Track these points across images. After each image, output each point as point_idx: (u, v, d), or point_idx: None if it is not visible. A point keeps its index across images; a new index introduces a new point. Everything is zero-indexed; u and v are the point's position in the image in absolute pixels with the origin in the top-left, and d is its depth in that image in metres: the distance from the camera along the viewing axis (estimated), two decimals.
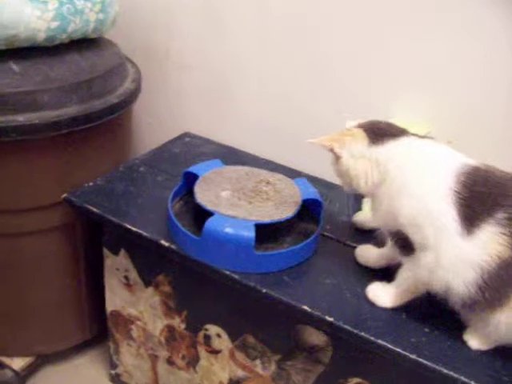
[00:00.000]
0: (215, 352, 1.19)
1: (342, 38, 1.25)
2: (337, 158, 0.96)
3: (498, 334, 0.88)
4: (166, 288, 1.18)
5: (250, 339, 1.12)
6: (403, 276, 0.96)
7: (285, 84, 1.35)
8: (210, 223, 1.01)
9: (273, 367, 1.12)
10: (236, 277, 1.01)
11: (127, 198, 1.19)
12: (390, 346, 0.91)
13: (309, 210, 1.14)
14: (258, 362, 1.14)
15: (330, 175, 1.17)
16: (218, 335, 1.16)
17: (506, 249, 0.82)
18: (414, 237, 0.89)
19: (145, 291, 1.22)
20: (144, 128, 1.59)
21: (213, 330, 1.16)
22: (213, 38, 1.41)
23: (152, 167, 1.31)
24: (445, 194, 0.85)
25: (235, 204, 1.06)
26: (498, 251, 0.82)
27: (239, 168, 1.19)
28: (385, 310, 0.98)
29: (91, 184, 1.22)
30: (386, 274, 1.04)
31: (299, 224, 1.13)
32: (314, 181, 1.25)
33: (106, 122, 1.21)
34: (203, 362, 1.22)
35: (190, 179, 1.15)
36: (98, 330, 1.47)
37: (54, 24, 1.12)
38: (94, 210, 1.15)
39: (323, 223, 1.12)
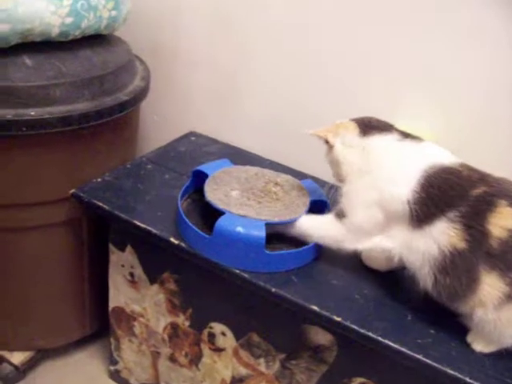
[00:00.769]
0: (219, 350, 1.20)
1: (355, 47, 1.27)
2: (330, 147, 1.03)
3: (481, 329, 0.91)
4: (172, 286, 1.19)
5: (255, 338, 1.13)
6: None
7: (291, 85, 1.36)
8: (221, 222, 1.02)
9: (276, 366, 1.14)
10: (246, 276, 1.02)
11: (135, 195, 1.20)
12: (396, 346, 0.93)
13: (316, 211, 1.15)
14: (261, 360, 1.15)
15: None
16: (223, 333, 1.17)
17: (457, 240, 0.88)
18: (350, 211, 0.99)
19: (150, 288, 1.23)
20: (150, 126, 1.59)
21: (218, 328, 1.17)
22: (220, 36, 1.42)
23: (159, 165, 1.31)
24: (406, 192, 0.92)
25: (245, 203, 1.07)
26: (450, 242, 0.88)
27: (248, 168, 1.20)
28: (391, 311, 1.00)
29: (99, 180, 1.22)
30: (394, 276, 1.06)
31: None
32: (319, 183, 1.26)
33: (115, 119, 1.21)
34: (206, 360, 1.23)
35: (199, 178, 1.16)
36: (99, 326, 1.47)
37: (68, 20, 1.12)
38: (103, 205, 1.15)
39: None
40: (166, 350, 1.29)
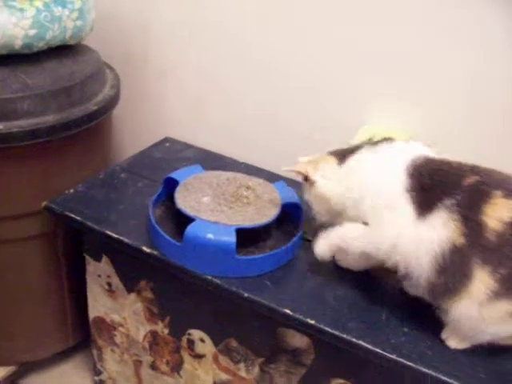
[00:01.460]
0: (199, 356, 1.19)
1: (327, 47, 1.26)
2: (310, 184, 1.02)
3: (462, 326, 0.90)
4: (149, 294, 1.19)
5: (233, 343, 1.13)
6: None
7: (262, 88, 1.36)
8: (191, 229, 1.01)
9: (256, 370, 1.13)
10: (218, 282, 1.02)
11: (108, 205, 1.19)
12: (369, 346, 0.93)
13: (289, 213, 1.15)
14: (241, 365, 1.14)
15: None
16: (202, 340, 1.17)
17: (456, 234, 0.86)
18: (374, 221, 0.95)
19: (127, 297, 1.23)
20: (125, 133, 1.59)
21: (196, 334, 1.17)
22: (191, 43, 1.41)
23: (133, 173, 1.31)
24: (398, 187, 0.91)
25: (216, 209, 1.07)
26: (449, 236, 0.86)
27: (219, 173, 1.19)
28: (365, 311, 1.00)
29: (72, 191, 1.22)
30: (367, 275, 1.06)
31: (280, 228, 1.14)
32: (293, 184, 1.26)
33: (86, 129, 1.21)
34: (187, 367, 1.23)
35: (171, 185, 1.16)
36: (82, 337, 1.47)
37: (32, 31, 1.12)
38: (75, 217, 1.14)
39: (303, 226, 1.13)
40: (147, 358, 1.29)
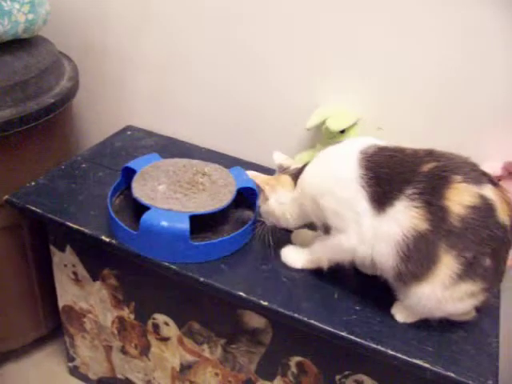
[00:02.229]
0: (164, 339, 1.22)
1: (278, 28, 1.27)
2: (265, 198, 1.05)
3: (421, 307, 0.92)
4: (113, 281, 1.21)
5: (196, 325, 1.16)
6: (317, 248, 1.03)
7: (221, 73, 1.37)
8: (146, 217, 1.03)
9: (219, 351, 1.17)
10: (174, 268, 1.04)
11: (69, 196, 1.21)
12: (321, 325, 0.96)
13: (245, 197, 1.17)
14: (205, 346, 1.18)
15: (268, 162, 1.21)
16: (166, 323, 1.20)
17: (420, 221, 0.86)
18: (338, 225, 0.95)
19: (93, 285, 1.25)
20: (88, 124, 1.59)
21: (160, 318, 1.20)
22: (149, 31, 1.41)
23: (94, 163, 1.32)
24: (353, 182, 0.91)
25: (171, 197, 1.09)
26: (413, 224, 0.87)
27: (177, 160, 1.21)
28: (318, 291, 1.03)
29: (33, 184, 1.23)
30: None
31: (236, 212, 1.17)
32: (254, 167, 1.28)
33: (44, 122, 1.22)
34: (155, 350, 1.26)
35: (130, 174, 1.17)
36: (54, 325, 1.49)
37: None
38: (36, 209, 1.16)
39: (259, 210, 1.15)
40: (116, 343, 1.32)
